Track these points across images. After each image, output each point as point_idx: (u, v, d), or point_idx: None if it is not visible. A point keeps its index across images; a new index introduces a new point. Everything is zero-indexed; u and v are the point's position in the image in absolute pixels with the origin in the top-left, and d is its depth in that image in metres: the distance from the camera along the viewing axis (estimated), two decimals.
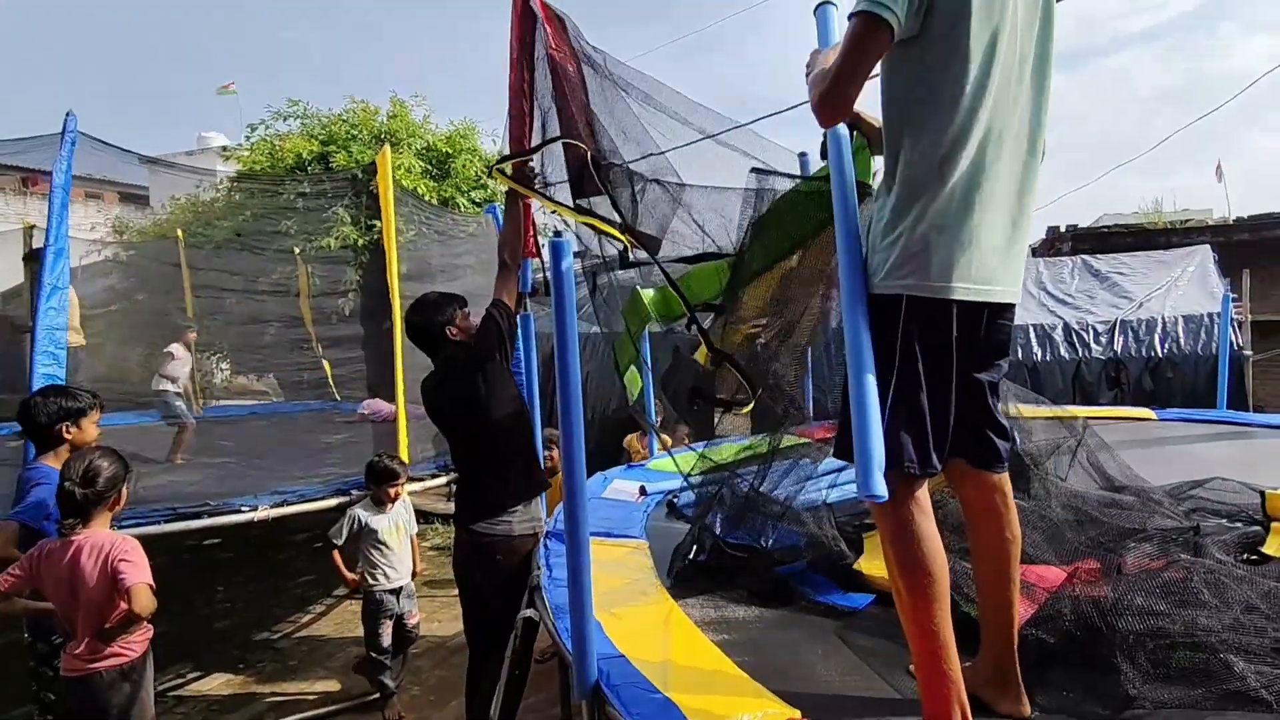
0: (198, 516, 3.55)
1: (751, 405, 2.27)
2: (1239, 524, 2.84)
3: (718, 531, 2.55)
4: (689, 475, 3.05)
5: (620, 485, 3.97)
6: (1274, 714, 1.60)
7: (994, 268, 1.53)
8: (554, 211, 2.60)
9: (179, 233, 8.05)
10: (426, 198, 9.44)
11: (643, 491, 3.79)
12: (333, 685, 4.26)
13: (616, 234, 2.32)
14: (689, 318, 2.32)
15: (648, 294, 2.44)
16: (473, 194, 10.24)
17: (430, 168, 10.14)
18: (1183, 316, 6.71)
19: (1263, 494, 2.93)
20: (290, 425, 6.44)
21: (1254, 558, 2.55)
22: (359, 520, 3.81)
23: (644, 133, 2.43)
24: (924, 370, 1.53)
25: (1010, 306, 1.63)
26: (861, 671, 1.98)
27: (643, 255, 2.38)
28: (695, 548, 2.50)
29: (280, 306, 8.23)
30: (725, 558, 2.44)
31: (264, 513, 3.70)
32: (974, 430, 1.69)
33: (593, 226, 2.48)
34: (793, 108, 2.18)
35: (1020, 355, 6.80)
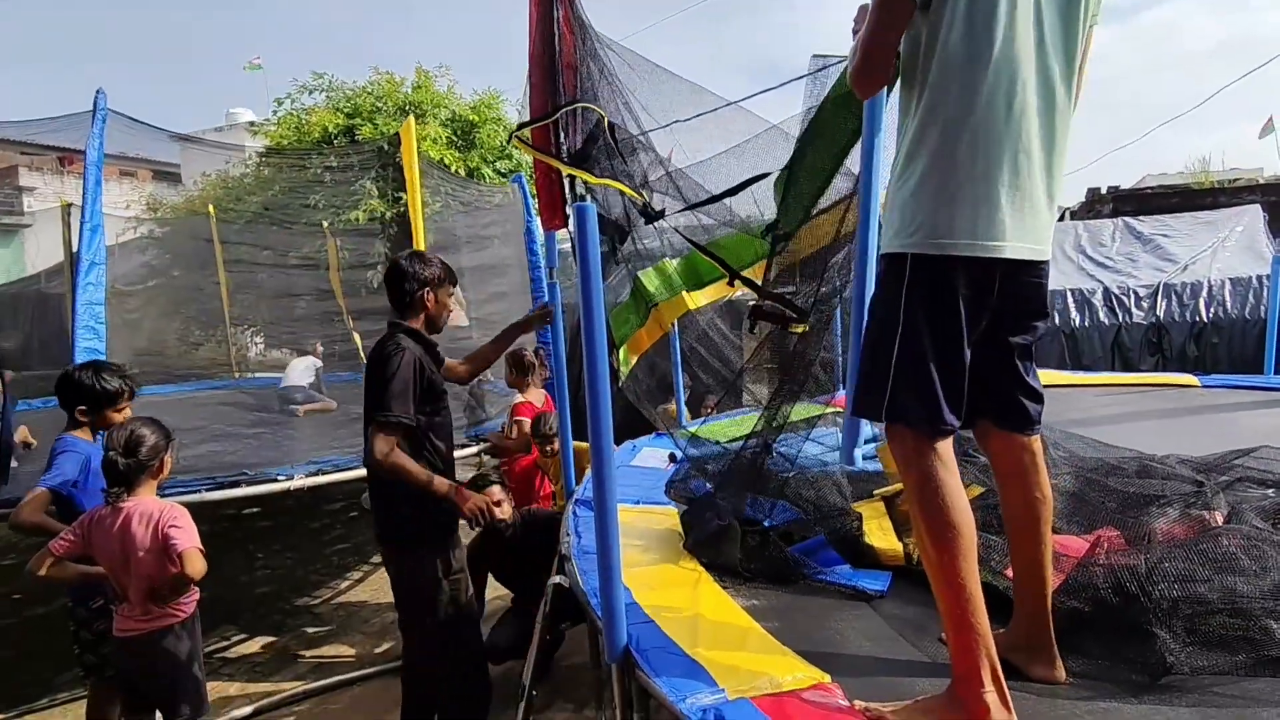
0: (236, 485, 3.64)
1: (804, 326, 2.27)
2: None
3: (726, 504, 2.53)
4: (688, 446, 3.02)
5: (649, 453, 3.99)
6: None
7: (1006, 224, 1.49)
8: (573, 176, 2.59)
9: (210, 208, 8.16)
10: (452, 168, 9.43)
11: (671, 459, 3.81)
12: (369, 648, 4.38)
13: (636, 194, 2.31)
14: (730, 275, 2.31)
15: (673, 263, 2.43)
16: (498, 164, 10.22)
17: (455, 138, 10.12)
18: (1229, 279, 6.47)
19: None
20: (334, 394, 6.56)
21: None
22: None
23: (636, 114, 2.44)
24: (929, 330, 1.51)
25: (1036, 264, 1.58)
26: (891, 638, 1.97)
27: (671, 216, 2.38)
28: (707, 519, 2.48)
29: (311, 280, 8.33)
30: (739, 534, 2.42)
31: (299, 481, 3.78)
32: (1003, 393, 1.66)
33: (618, 189, 2.48)
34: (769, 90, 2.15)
35: (1058, 320, 6.64)
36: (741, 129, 2.87)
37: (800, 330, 2.27)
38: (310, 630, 4.70)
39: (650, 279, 2.47)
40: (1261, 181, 10.85)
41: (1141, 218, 8.38)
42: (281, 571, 5.84)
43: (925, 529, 1.51)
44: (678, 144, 2.85)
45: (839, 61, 2.07)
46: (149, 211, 11.58)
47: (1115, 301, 6.60)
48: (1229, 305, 6.34)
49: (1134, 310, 6.55)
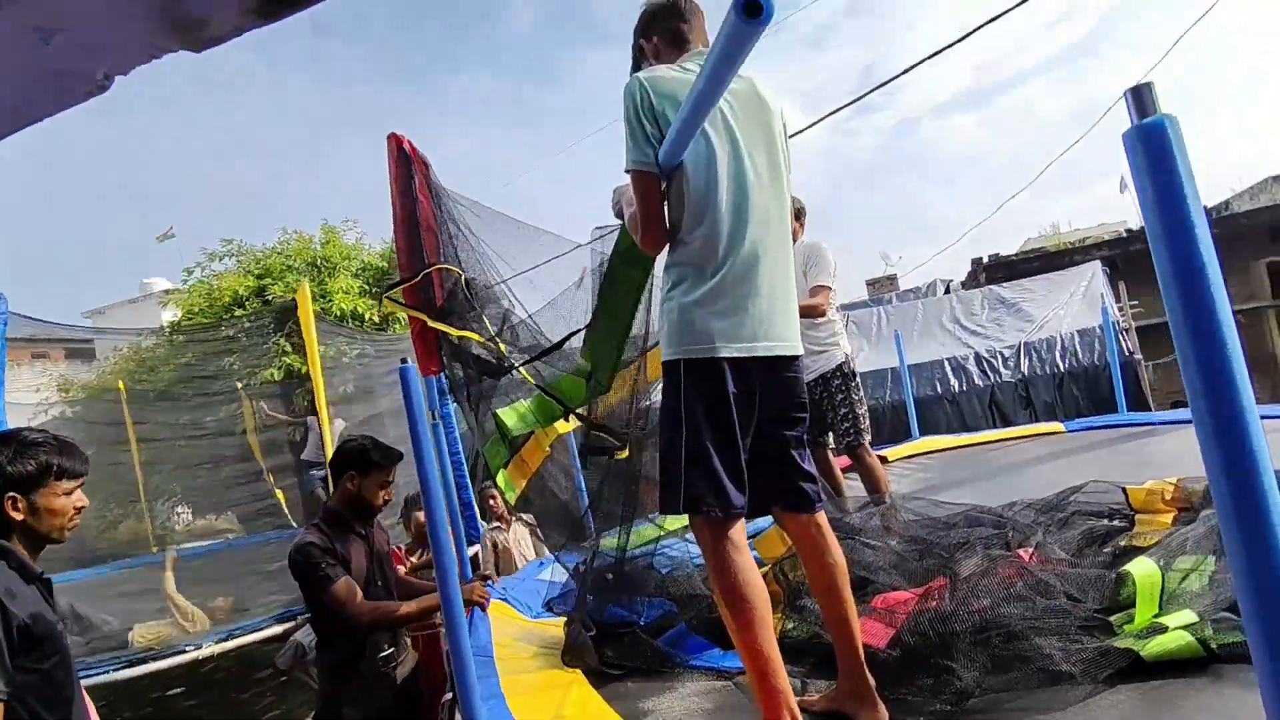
0: (144, 662, 3.62)
1: (626, 451, 2.57)
2: (1115, 521, 3.13)
3: (595, 614, 2.69)
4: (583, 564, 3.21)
5: (558, 567, 4.15)
6: (1076, 684, 1.85)
7: (756, 328, 1.82)
8: (437, 330, 2.91)
9: (120, 385, 8.19)
10: (367, 315, 9.76)
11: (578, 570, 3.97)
12: None
13: (489, 344, 2.63)
14: (565, 411, 2.63)
15: (521, 406, 2.74)
16: None
17: (368, 286, 10.50)
18: (1077, 332, 7.18)
19: (1124, 490, 3.24)
20: (243, 558, 6.48)
21: (1109, 551, 2.83)
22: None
23: (489, 264, 2.81)
24: (708, 425, 1.78)
25: (790, 360, 1.91)
26: (748, 708, 2.16)
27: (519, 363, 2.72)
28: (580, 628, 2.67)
29: (231, 443, 8.33)
30: (609, 637, 2.59)
31: (209, 649, 3.78)
32: (782, 480, 1.94)
33: (474, 340, 2.81)
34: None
35: (940, 389, 7.18)
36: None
37: (624, 455, 2.57)
38: None
39: (509, 415, 2.75)
40: (1107, 238, 12.08)
41: (1006, 284, 9.23)
42: None
43: (724, 604, 1.74)
44: (579, 281, 3.21)
45: (611, 231, 2.47)
46: (60, 393, 11.40)
47: (985, 364, 7.22)
48: (1080, 355, 7.01)
49: (1002, 370, 7.16)
